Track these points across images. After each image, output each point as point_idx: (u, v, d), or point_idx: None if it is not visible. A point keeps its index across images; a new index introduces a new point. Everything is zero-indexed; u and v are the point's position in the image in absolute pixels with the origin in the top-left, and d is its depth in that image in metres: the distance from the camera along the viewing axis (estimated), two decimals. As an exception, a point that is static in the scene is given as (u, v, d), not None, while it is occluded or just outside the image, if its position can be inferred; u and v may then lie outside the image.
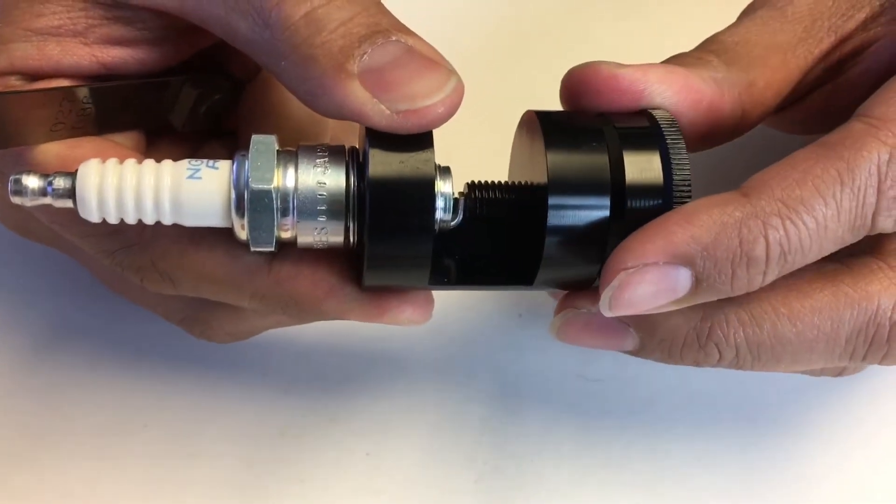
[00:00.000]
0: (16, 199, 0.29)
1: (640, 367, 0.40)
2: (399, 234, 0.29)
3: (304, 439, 0.40)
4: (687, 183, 0.30)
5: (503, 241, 0.33)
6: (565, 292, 0.33)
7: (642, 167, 0.30)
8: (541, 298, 0.41)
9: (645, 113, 0.32)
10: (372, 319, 0.32)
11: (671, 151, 0.30)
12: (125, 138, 0.34)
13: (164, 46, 0.33)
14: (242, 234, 0.30)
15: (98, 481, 0.39)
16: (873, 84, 0.33)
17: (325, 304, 0.31)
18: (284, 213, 0.29)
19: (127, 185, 0.29)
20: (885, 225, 0.30)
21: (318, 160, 0.29)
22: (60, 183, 0.29)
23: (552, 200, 0.30)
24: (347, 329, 0.41)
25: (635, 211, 0.30)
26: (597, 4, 0.47)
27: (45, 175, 0.29)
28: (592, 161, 0.30)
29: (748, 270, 0.29)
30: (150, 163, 0.29)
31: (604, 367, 0.41)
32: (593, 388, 0.41)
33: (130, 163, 0.29)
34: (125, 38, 0.32)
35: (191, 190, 0.29)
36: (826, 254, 0.30)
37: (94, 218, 0.29)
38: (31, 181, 0.29)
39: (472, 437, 0.40)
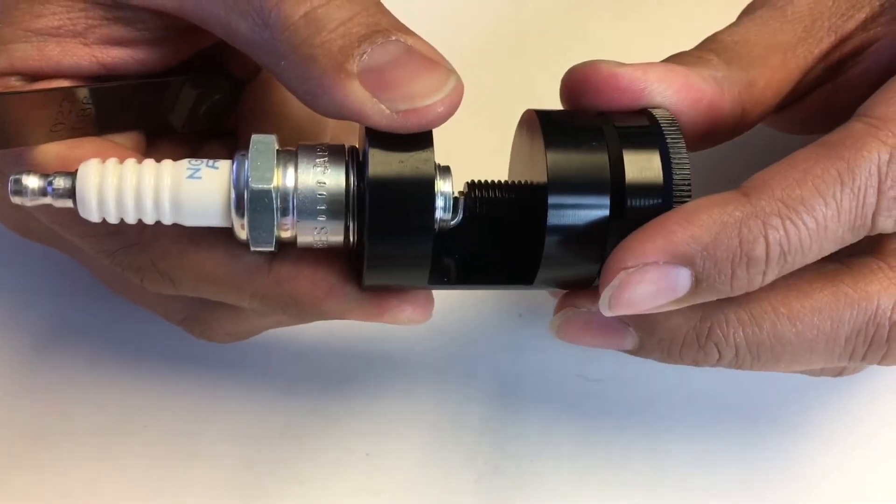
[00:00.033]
0: (16, 199, 0.29)
1: (640, 367, 0.40)
2: (399, 234, 0.29)
3: (304, 439, 0.40)
4: (687, 182, 0.30)
5: (503, 240, 0.33)
6: (565, 291, 0.33)
7: (642, 166, 0.30)
8: (541, 298, 0.41)
9: (645, 112, 0.32)
10: (372, 319, 0.32)
11: (671, 151, 0.30)
12: (125, 139, 0.34)
13: (163, 47, 0.33)
14: (242, 234, 0.30)
15: (98, 481, 0.39)
16: (873, 84, 0.33)
17: (325, 304, 0.31)
18: (284, 212, 0.29)
19: (127, 184, 0.29)
20: (886, 225, 0.30)
21: (317, 160, 0.29)
22: (60, 183, 0.29)
23: (552, 200, 0.30)
24: (348, 329, 0.41)
25: (635, 210, 0.30)
26: (596, 4, 0.47)
27: (45, 175, 0.29)
28: (592, 160, 0.30)
29: (748, 270, 0.29)
30: (149, 163, 0.29)
31: (604, 367, 0.41)
32: (593, 388, 0.41)
33: (130, 163, 0.29)
34: (125, 39, 0.32)
35: (191, 190, 0.29)
36: (826, 254, 0.30)
37: (94, 218, 0.29)
38: (31, 181, 0.29)
39: (472, 437, 0.40)
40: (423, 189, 0.29)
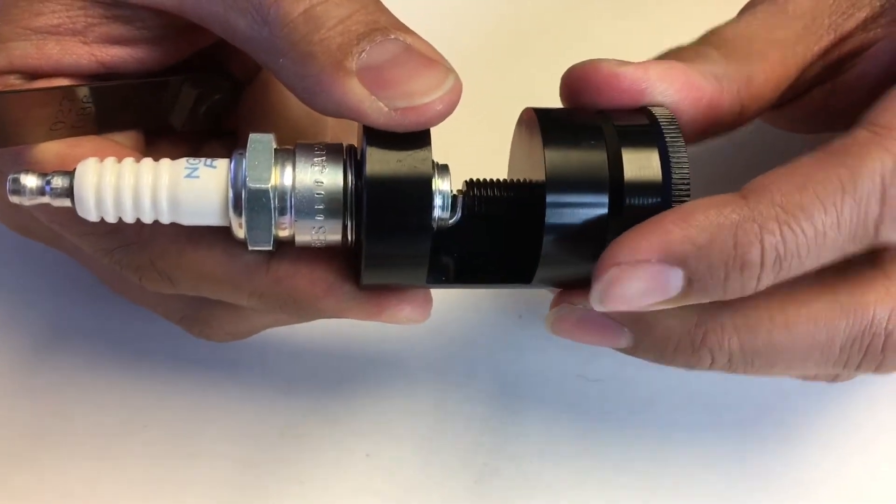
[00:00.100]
0: (14, 199, 0.29)
1: (640, 367, 0.39)
2: (397, 233, 0.29)
3: (304, 439, 0.40)
4: (686, 181, 0.30)
5: (502, 239, 0.33)
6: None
7: (641, 165, 0.30)
8: (541, 299, 0.41)
9: (644, 110, 0.32)
10: (370, 318, 0.32)
11: (670, 149, 0.30)
12: (125, 138, 0.34)
13: (163, 45, 0.33)
14: (240, 234, 0.30)
15: (98, 481, 0.39)
16: (872, 86, 0.33)
17: (324, 303, 0.31)
18: (282, 211, 0.29)
19: (125, 183, 0.29)
20: (891, 236, 0.29)
21: (315, 159, 0.29)
22: (58, 182, 0.29)
23: (550, 198, 0.30)
24: (348, 329, 0.41)
25: (634, 209, 0.30)
26: (596, 3, 0.47)
27: (43, 174, 0.29)
28: (591, 158, 0.30)
29: (742, 274, 0.29)
30: (147, 161, 0.29)
31: (604, 367, 0.41)
32: (593, 388, 0.41)
33: (128, 162, 0.29)
34: (124, 37, 0.32)
35: (188, 189, 0.29)
36: (826, 262, 0.29)
37: (93, 217, 0.29)
38: (30, 180, 0.29)
39: (472, 438, 0.40)
40: (420, 188, 0.29)
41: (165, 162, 0.29)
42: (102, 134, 0.33)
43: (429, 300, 0.32)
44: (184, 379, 0.41)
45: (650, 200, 0.30)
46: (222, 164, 0.29)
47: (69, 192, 0.29)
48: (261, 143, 0.29)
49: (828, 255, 0.29)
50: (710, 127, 0.33)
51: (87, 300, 0.42)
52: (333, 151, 0.30)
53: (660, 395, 0.41)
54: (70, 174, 0.29)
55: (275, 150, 0.29)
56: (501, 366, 0.41)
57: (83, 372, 0.41)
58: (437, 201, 0.29)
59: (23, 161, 0.31)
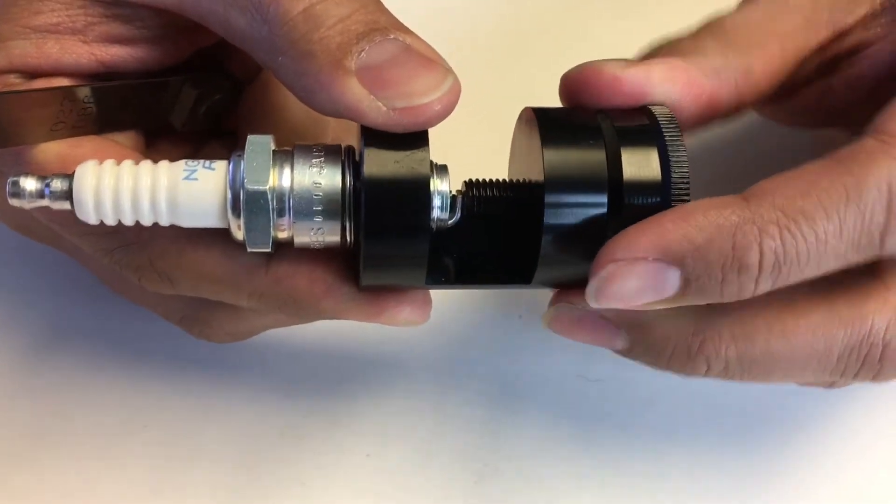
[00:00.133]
0: (14, 202, 0.29)
1: (640, 367, 0.39)
2: (395, 234, 0.29)
3: (305, 440, 0.40)
4: (685, 180, 0.30)
5: (501, 239, 0.33)
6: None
7: (640, 164, 0.30)
8: (541, 299, 0.41)
9: (644, 110, 0.32)
10: (369, 319, 0.32)
11: (670, 148, 0.30)
12: (126, 138, 0.34)
13: (163, 45, 0.33)
14: (239, 235, 0.29)
15: (98, 482, 0.39)
16: (870, 87, 0.33)
17: (323, 303, 0.31)
18: (280, 213, 0.29)
19: (123, 186, 0.29)
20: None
21: (313, 160, 0.29)
22: (57, 185, 0.29)
23: (548, 198, 0.30)
24: (348, 330, 0.41)
25: (633, 208, 0.30)
26: (595, 3, 0.47)
27: (42, 177, 0.29)
28: (590, 158, 0.30)
29: (739, 277, 0.28)
30: (146, 164, 0.29)
31: (604, 367, 0.41)
32: (593, 388, 0.41)
33: (127, 164, 0.29)
34: (124, 37, 0.32)
35: (187, 191, 0.29)
36: (827, 270, 0.29)
37: (92, 220, 0.29)
38: (29, 183, 0.29)
39: (472, 438, 0.40)
40: (418, 189, 0.29)
41: (164, 164, 0.29)
42: (103, 134, 0.33)
43: (428, 302, 0.32)
44: (184, 379, 0.41)
45: (649, 200, 0.30)
46: (220, 166, 0.29)
47: (68, 195, 0.29)
48: (259, 144, 0.29)
49: (828, 263, 0.29)
50: (708, 120, 0.33)
51: (87, 300, 0.42)
52: (332, 152, 0.30)
53: (660, 395, 0.41)
54: (69, 177, 0.29)
55: (273, 151, 0.29)
56: (501, 366, 0.41)
57: (83, 372, 0.41)
58: (436, 202, 0.29)
59: (23, 161, 0.31)
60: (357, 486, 0.40)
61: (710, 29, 0.34)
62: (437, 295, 0.33)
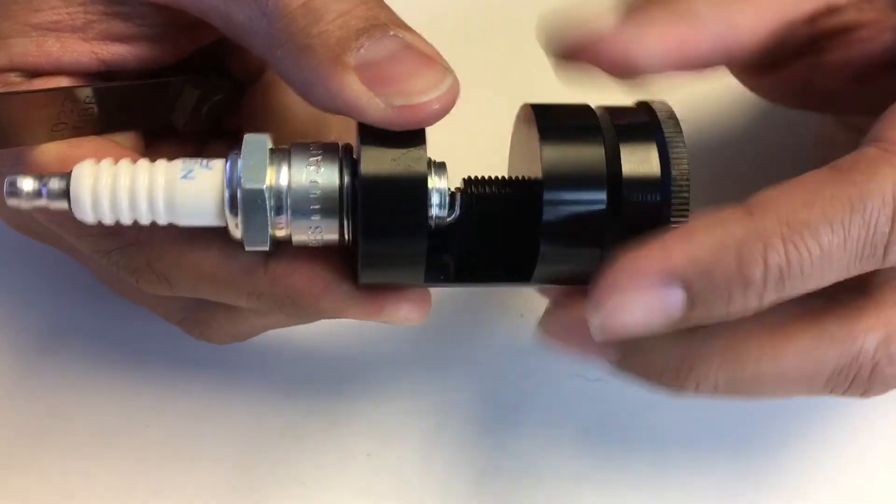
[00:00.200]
0: (12, 202, 0.29)
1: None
2: (393, 232, 0.29)
3: (305, 440, 0.40)
4: (685, 177, 0.30)
5: (500, 237, 0.33)
6: (555, 294, 0.33)
7: (639, 160, 0.30)
8: (542, 298, 0.41)
9: (643, 105, 0.32)
10: (369, 317, 0.31)
11: (669, 145, 0.30)
12: (126, 138, 0.34)
13: (163, 43, 0.33)
14: (237, 234, 0.29)
15: (98, 482, 0.39)
16: (858, 73, 0.33)
17: (322, 302, 0.31)
18: (278, 211, 0.29)
19: (121, 185, 0.29)
20: None
21: (311, 158, 0.29)
22: (55, 185, 0.29)
23: (547, 195, 0.30)
24: (347, 330, 0.41)
25: (633, 205, 0.30)
26: (597, 2, 0.47)
27: (39, 177, 0.29)
28: (588, 155, 0.30)
29: (745, 293, 0.28)
30: (144, 163, 0.29)
31: (604, 367, 0.41)
32: (593, 388, 0.41)
33: (125, 163, 0.29)
34: (124, 35, 0.32)
35: (184, 190, 0.29)
36: (829, 283, 0.29)
37: (90, 219, 0.29)
38: (26, 184, 0.29)
39: (472, 438, 0.40)
40: (416, 186, 0.28)
41: (161, 163, 0.29)
42: (104, 134, 0.33)
43: (427, 300, 0.32)
44: (184, 379, 0.41)
45: (649, 196, 0.30)
46: (218, 165, 0.29)
47: (65, 195, 0.29)
48: (256, 143, 0.29)
49: (832, 275, 0.28)
50: (683, 68, 0.32)
51: (87, 300, 0.41)
52: (329, 151, 0.30)
53: (660, 395, 0.41)
54: (66, 177, 0.29)
55: (270, 150, 0.29)
56: (501, 366, 0.41)
57: (83, 372, 0.41)
58: (434, 199, 0.29)
59: (23, 162, 0.31)
60: (357, 486, 0.40)
61: None
62: (437, 294, 0.33)
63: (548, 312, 0.33)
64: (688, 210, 0.30)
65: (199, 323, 0.36)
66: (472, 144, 0.38)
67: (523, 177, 0.32)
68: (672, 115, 0.31)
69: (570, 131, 0.30)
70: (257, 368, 0.41)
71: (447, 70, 0.29)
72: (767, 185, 0.29)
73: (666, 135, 0.30)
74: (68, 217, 0.30)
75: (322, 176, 0.29)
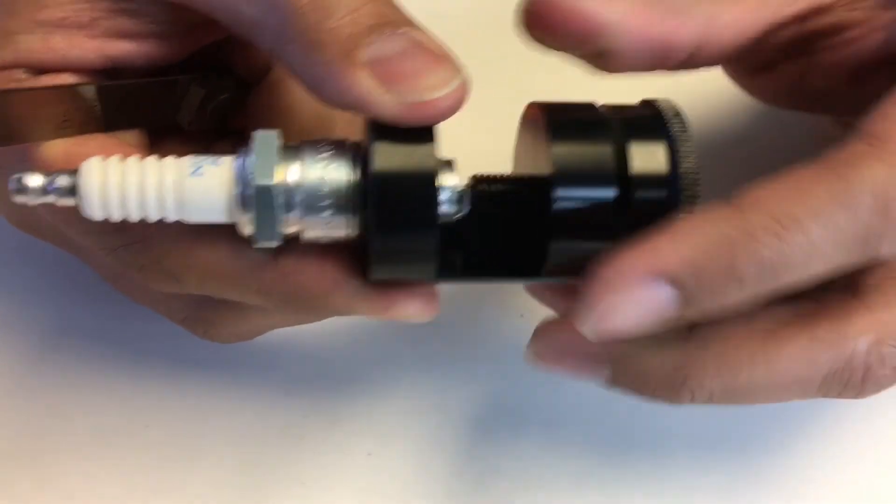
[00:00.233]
0: (19, 199, 0.29)
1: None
2: (403, 228, 0.29)
3: (305, 440, 0.40)
4: (693, 172, 0.30)
5: (509, 233, 0.33)
6: (552, 311, 0.34)
7: (648, 157, 0.30)
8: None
9: (649, 103, 0.32)
10: (378, 314, 0.31)
11: (676, 141, 0.30)
12: (132, 136, 0.34)
13: (170, 40, 0.33)
14: (246, 231, 0.29)
15: (99, 482, 0.39)
16: (850, 74, 0.33)
17: (332, 298, 0.31)
18: (288, 208, 0.29)
19: (130, 182, 0.29)
20: (893, 251, 0.29)
21: (321, 154, 0.29)
22: (62, 181, 0.29)
23: (556, 192, 0.30)
24: (348, 330, 0.41)
25: (641, 201, 0.30)
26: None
27: (47, 174, 0.29)
28: (597, 152, 0.30)
29: (737, 289, 0.28)
30: (152, 160, 0.29)
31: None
32: (593, 388, 0.41)
33: (133, 160, 0.29)
34: (131, 32, 0.32)
35: (194, 187, 0.29)
36: (820, 277, 0.29)
37: (98, 216, 0.29)
38: (33, 180, 0.29)
39: (472, 438, 0.40)
40: (426, 183, 0.29)
41: (170, 160, 0.29)
42: (110, 132, 0.33)
43: (435, 297, 0.32)
44: (185, 379, 0.41)
45: (658, 193, 0.30)
46: (227, 161, 0.29)
47: (74, 192, 0.29)
48: (266, 139, 0.29)
49: (821, 269, 0.29)
50: (659, 64, 0.33)
51: (87, 300, 0.41)
52: (339, 147, 0.30)
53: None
54: (74, 173, 0.29)
55: (280, 146, 0.29)
56: (502, 366, 0.41)
57: (83, 372, 0.41)
58: (444, 196, 0.29)
59: (29, 158, 0.31)
60: (357, 486, 0.40)
61: None
62: (439, 293, 0.33)
63: (536, 336, 0.33)
64: (697, 206, 0.30)
65: (202, 322, 0.36)
66: (477, 143, 0.38)
67: (531, 174, 0.33)
68: (678, 112, 0.31)
69: (578, 128, 0.31)
70: (257, 368, 0.41)
71: (458, 67, 0.29)
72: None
73: (673, 131, 0.30)
74: (74, 214, 0.30)
75: (332, 172, 0.29)
